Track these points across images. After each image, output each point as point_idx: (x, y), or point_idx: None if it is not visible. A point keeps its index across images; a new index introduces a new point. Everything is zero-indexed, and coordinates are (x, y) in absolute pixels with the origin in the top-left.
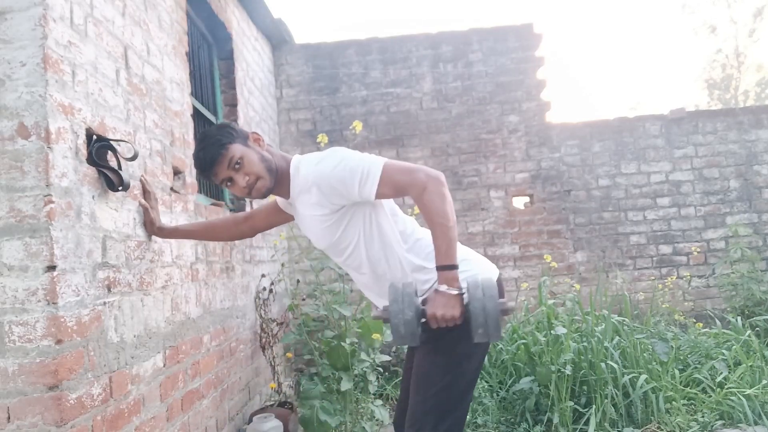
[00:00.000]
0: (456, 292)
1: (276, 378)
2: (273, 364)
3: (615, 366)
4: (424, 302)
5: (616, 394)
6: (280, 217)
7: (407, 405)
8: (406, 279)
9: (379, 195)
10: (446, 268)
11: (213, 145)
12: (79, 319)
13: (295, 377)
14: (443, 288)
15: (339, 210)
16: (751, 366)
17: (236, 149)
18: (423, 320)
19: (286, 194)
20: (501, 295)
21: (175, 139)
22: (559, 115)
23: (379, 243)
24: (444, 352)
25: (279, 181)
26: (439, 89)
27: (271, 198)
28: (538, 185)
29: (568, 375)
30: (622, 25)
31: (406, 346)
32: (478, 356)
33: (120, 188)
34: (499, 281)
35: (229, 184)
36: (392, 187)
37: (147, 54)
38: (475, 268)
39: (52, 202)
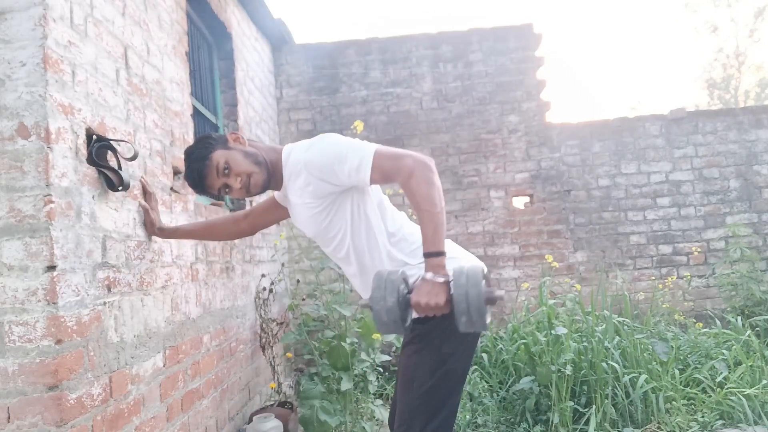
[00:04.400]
0: (441, 280)
1: (276, 378)
2: (273, 364)
3: (615, 366)
4: (410, 291)
5: (617, 394)
6: (278, 213)
7: None
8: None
9: (371, 181)
10: (433, 254)
11: (196, 160)
12: (79, 319)
13: (295, 377)
14: (429, 276)
15: (327, 197)
16: (751, 366)
17: (219, 156)
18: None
19: (280, 183)
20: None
21: (175, 139)
22: (559, 115)
23: (365, 234)
24: (429, 352)
25: (272, 172)
26: (439, 89)
27: (269, 193)
28: (538, 185)
29: (568, 375)
30: (623, 25)
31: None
32: (465, 355)
33: (120, 188)
34: (486, 277)
35: (226, 190)
36: (381, 174)
37: (147, 54)
38: (462, 262)
39: (52, 202)
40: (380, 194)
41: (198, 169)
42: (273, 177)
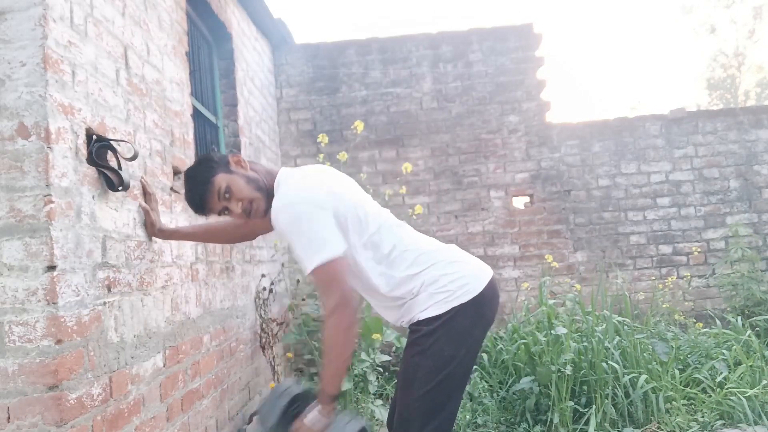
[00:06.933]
0: (318, 429)
1: (276, 378)
2: (273, 364)
3: (615, 366)
4: (295, 415)
5: (617, 394)
6: None
7: None
8: (391, 292)
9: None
10: (326, 396)
11: (198, 183)
12: (79, 319)
13: (295, 377)
14: (309, 419)
15: None
16: (751, 366)
17: (220, 180)
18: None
19: None
20: (494, 296)
21: (175, 139)
22: (559, 115)
23: (356, 268)
24: (431, 355)
25: (269, 197)
26: (439, 89)
27: None
28: (538, 185)
29: (568, 375)
30: (623, 26)
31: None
32: (467, 359)
33: (120, 188)
34: (492, 283)
35: (226, 212)
36: (316, 282)
37: (147, 54)
38: (463, 270)
39: (52, 202)
40: (371, 226)
41: (200, 193)
42: (269, 202)
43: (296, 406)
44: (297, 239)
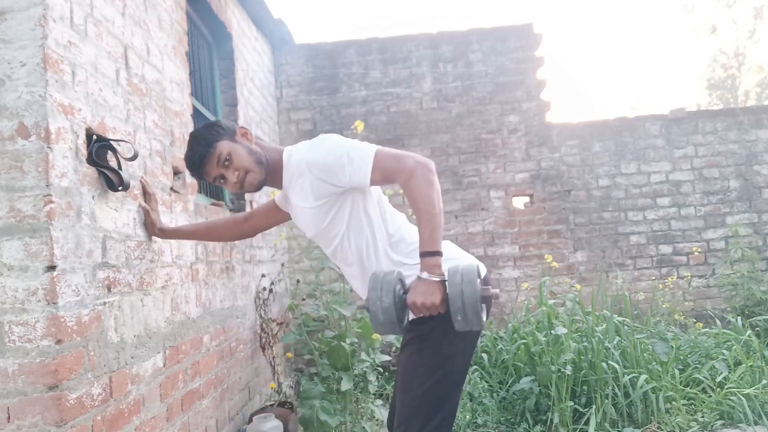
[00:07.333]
0: (437, 279)
1: (276, 378)
2: (273, 364)
3: (615, 366)
4: (406, 291)
5: (617, 394)
6: (279, 216)
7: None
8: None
9: (372, 181)
10: (429, 254)
11: (201, 144)
12: (79, 319)
13: (295, 377)
14: (424, 275)
15: (328, 197)
16: (751, 366)
17: (224, 146)
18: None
19: (279, 184)
20: (485, 284)
21: (175, 139)
22: (559, 115)
23: (364, 235)
24: (428, 353)
25: (272, 172)
26: (439, 89)
27: (271, 196)
28: (538, 185)
29: (568, 375)
30: (623, 26)
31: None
32: (465, 356)
33: (120, 188)
34: (485, 277)
35: (222, 181)
36: (381, 174)
37: (147, 54)
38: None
39: (52, 202)
40: (380, 195)
41: (200, 153)
42: (272, 177)
43: (400, 287)
44: (338, 165)
